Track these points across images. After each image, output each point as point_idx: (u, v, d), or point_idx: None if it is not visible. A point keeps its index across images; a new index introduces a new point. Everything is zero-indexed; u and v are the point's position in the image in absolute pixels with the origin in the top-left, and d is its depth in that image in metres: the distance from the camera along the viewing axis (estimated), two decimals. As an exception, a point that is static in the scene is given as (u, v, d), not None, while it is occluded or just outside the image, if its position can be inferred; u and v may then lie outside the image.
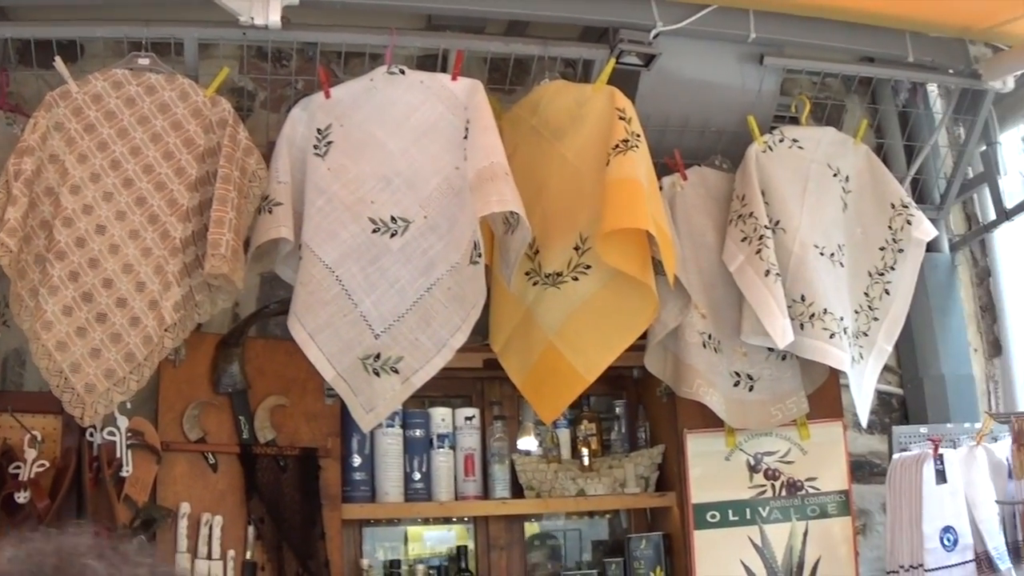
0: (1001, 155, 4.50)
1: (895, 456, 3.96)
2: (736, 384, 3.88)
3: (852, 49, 4.12)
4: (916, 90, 4.63)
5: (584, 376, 3.46)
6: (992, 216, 4.61)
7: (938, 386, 4.48)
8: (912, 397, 4.53)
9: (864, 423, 3.92)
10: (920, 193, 4.64)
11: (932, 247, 4.56)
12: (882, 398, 4.53)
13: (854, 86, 4.68)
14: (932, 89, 4.66)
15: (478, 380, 4.26)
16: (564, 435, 4.23)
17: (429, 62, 3.86)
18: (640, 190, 3.30)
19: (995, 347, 4.74)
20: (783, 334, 3.59)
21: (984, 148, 4.51)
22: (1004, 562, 3.82)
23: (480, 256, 3.30)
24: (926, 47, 4.14)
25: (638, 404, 4.30)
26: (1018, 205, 4.44)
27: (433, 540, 4.27)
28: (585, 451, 4.16)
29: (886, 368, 4.44)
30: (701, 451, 3.98)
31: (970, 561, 3.89)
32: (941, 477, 3.85)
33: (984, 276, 4.80)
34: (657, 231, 3.30)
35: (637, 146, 3.41)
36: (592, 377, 3.47)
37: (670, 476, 4.11)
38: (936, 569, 3.80)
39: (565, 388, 3.50)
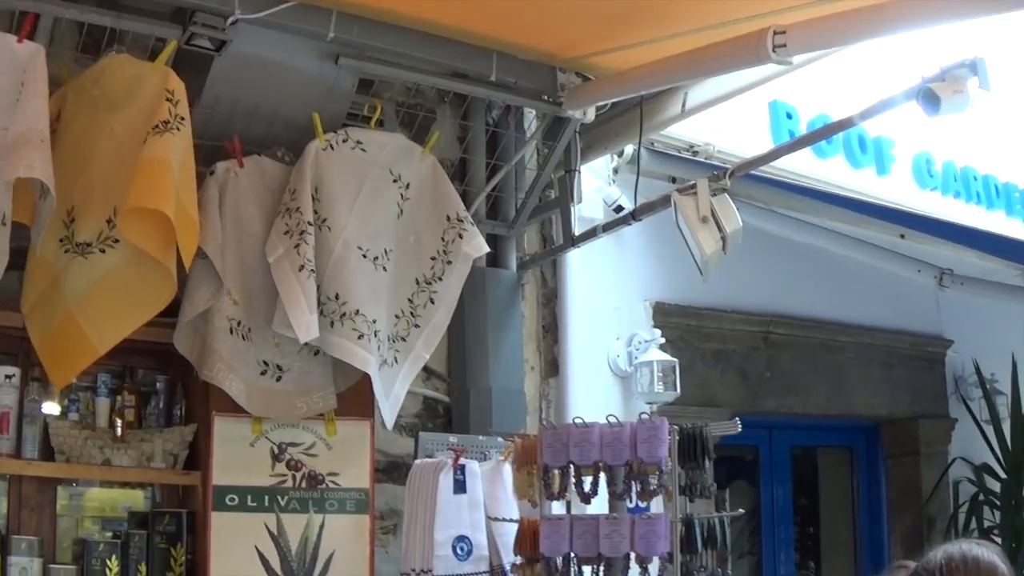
0: (579, 183, 5.30)
1: (416, 461, 4.67)
2: (263, 373, 4.48)
3: (437, 61, 4.75)
4: (510, 110, 5.38)
5: (96, 347, 4.00)
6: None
7: (484, 398, 5.25)
8: (457, 406, 5.29)
9: (389, 424, 4.60)
10: (496, 210, 5.42)
11: (499, 263, 5.37)
12: (428, 403, 5.29)
13: (447, 98, 5.33)
14: (532, 112, 5.41)
15: (25, 339, 4.55)
16: (104, 404, 4.71)
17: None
18: (167, 172, 3.85)
19: (553, 367, 5.58)
20: (307, 329, 4.21)
21: (563, 174, 5.30)
22: (520, 579, 4.60)
23: (6, 220, 3.77)
24: (515, 69, 4.83)
25: (180, 381, 4.85)
26: (584, 233, 5.26)
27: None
28: (119, 421, 4.66)
29: (435, 375, 5.21)
30: (227, 434, 4.54)
31: (484, 572, 4.64)
32: (460, 487, 4.58)
33: (551, 297, 5.65)
34: (178, 215, 3.86)
35: (178, 128, 3.95)
36: (104, 349, 4.01)
37: (199, 456, 4.66)
38: (446, 577, 4.55)
39: (77, 357, 4.03)
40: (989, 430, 8.00)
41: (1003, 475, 7.90)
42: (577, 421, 4.11)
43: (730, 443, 6.38)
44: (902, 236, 6.96)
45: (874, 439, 8.22)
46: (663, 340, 5.91)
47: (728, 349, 6.72)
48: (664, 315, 6.23)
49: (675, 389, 5.74)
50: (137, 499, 4.94)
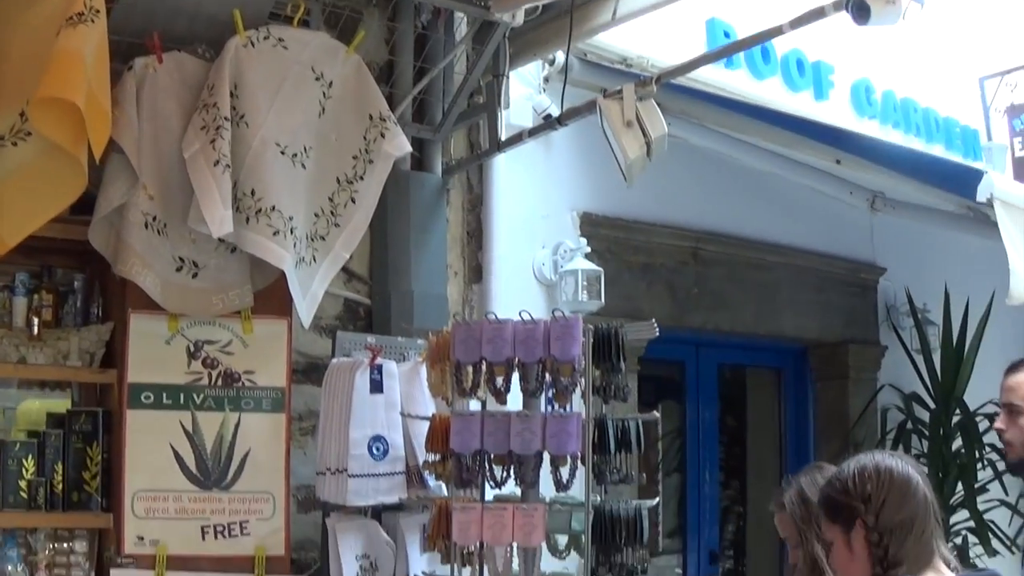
0: (507, 89, 5.34)
1: (333, 361, 4.72)
2: (179, 269, 4.51)
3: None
4: (439, 13, 5.39)
5: (5, 241, 4.02)
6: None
7: (405, 302, 5.31)
8: (378, 309, 5.35)
9: (306, 323, 4.65)
10: (422, 114, 5.45)
11: (425, 167, 5.41)
12: (349, 306, 5.35)
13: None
14: (462, 16, 5.42)
15: (-60, 237, 4.70)
16: (21, 303, 4.72)
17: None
18: (79, 63, 3.84)
19: (476, 273, 5.65)
20: (220, 224, 4.24)
21: (491, 79, 5.33)
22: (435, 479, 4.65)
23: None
24: (443, -30, 4.87)
25: (97, 280, 4.85)
26: (510, 138, 5.30)
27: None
28: (36, 320, 4.69)
29: (357, 278, 5.26)
30: (143, 331, 4.58)
31: (400, 473, 4.71)
32: (376, 387, 4.64)
33: (477, 204, 5.70)
34: (89, 106, 3.86)
35: (93, 20, 3.93)
36: (13, 243, 4.04)
37: (116, 354, 4.69)
38: (361, 476, 4.59)
39: (-15, 251, 4.05)
40: (919, 360, 8.13)
41: (932, 405, 8.05)
42: (490, 317, 4.12)
43: (657, 358, 6.51)
44: (838, 162, 7.01)
45: (802, 362, 8.35)
46: (589, 250, 5.98)
47: (656, 263, 6.79)
48: (592, 226, 6.29)
49: (599, 299, 5.82)
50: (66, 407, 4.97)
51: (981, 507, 7.61)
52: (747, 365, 8.59)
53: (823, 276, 7.92)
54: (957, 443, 7.86)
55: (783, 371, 8.42)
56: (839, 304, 8.07)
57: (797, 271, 7.70)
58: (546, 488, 4.20)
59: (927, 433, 8.02)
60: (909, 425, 8.11)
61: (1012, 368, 4.51)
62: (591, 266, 5.86)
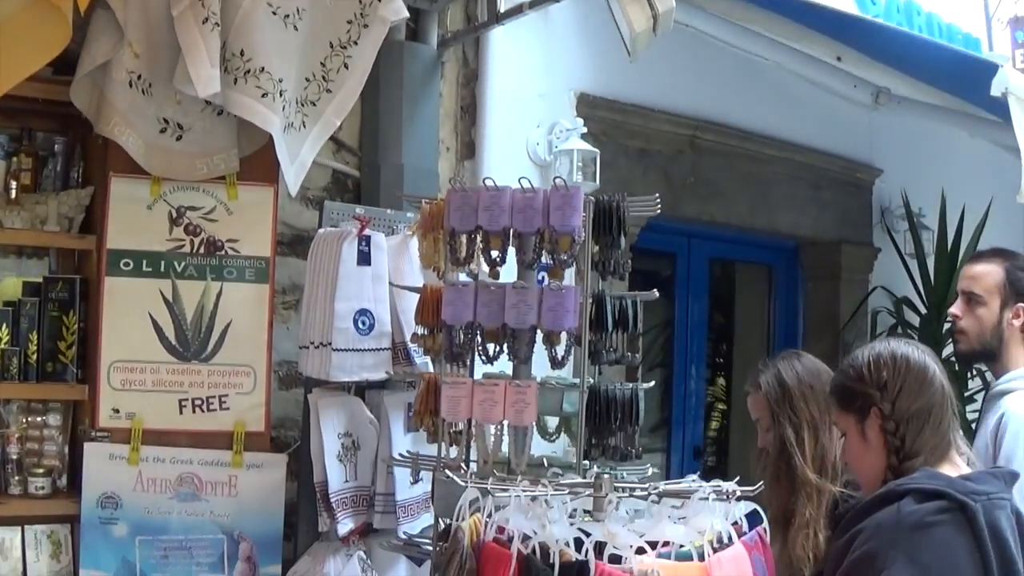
0: (505, -42, 5.21)
1: (320, 231, 4.59)
2: (163, 131, 4.39)
3: None
4: None
5: (-14, 96, 3.92)
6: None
7: (395, 175, 5.20)
8: (367, 181, 5.26)
9: (293, 191, 4.52)
10: (423, -17, 5.32)
11: (419, 38, 5.27)
12: (337, 177, 5.26)
13: None
14: None
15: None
16: (-1, 166, 4.67)
17: None
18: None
19: (469, 149, 5.55)
20: (206, 83, 4.09)
21: (489, -50, 5.20)
22: (421, 356, 4.56)
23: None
24: None
25: (79, 144, 4.76)
26: (509, 10, 5.17)
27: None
28: (14, 184, 4.61)
29: (346, 148, 5.14)
30: (124, 196, 4.48)
31: (386, 349, 4.60)
32: (364, 258, 4.52)
33: (472, 78, 5.58)
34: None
35: None
36: (-6, 98, 3.93)
37: (96, 220, 4.60)
38: (346, 350, 4.48)
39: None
40: (913, 264, 8.09)
41: (923, 310, 8.02)
42: (488, 183, 3.98)
43: (649, 249, 6.44)
44: (839, 59, 6.90)
45: (794, 260, 8.31)
46: (585, 130, 5.87)
47: (653, 149, 6.70)
48: (589, 107, 6.17)
49: (594, 181, 5.71)
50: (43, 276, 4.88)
51: (970, 416, 7.58)
52: (738, 261, 8.54)
53: (820, 174, 7.85)
54: (947, 350, 7.80)
55: (774, 268, 8.38)
56: (834, 203, 8.00)
57: (794, 167, 7.62)
58: (536, 368, 4.11)
59: (917, 338, 7.95)
60: (899, 329, 8.08)
61: (976, 257, 4.47)
62: (587, 147, 5.74)
